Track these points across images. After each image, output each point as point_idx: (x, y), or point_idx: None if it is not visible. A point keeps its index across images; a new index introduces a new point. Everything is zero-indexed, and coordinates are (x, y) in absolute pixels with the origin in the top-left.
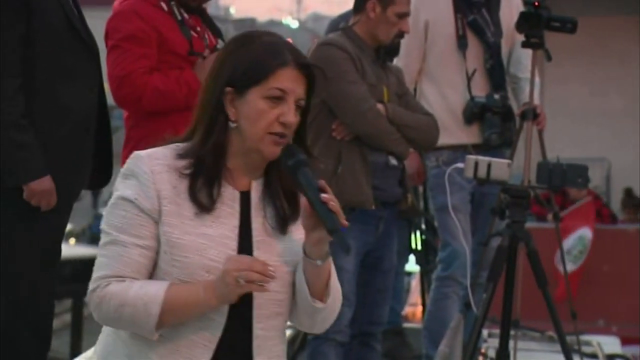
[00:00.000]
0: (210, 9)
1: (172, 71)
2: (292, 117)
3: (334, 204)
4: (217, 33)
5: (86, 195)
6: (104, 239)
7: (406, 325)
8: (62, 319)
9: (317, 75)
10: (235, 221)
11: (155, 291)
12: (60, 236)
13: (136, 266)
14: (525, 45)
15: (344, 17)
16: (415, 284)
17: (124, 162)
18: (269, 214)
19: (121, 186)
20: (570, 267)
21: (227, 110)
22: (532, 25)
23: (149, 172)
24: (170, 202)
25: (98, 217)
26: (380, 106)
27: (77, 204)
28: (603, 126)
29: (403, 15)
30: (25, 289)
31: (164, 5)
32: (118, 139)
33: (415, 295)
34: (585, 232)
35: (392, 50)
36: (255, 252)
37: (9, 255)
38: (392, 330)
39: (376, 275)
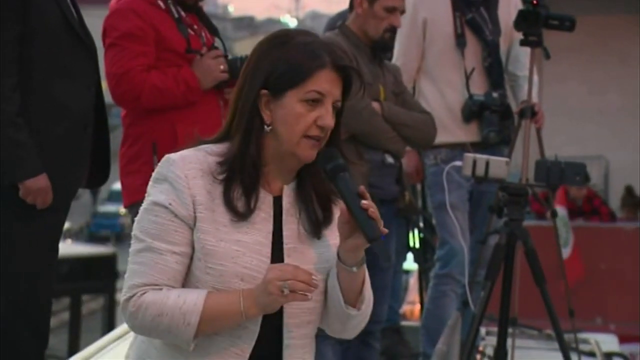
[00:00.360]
0: (208, 7)
1: (170, 69)
2: (330, 120)
3: (373, 210)
4: (214, 31)
5: (84, 193)
6: (136, 245)
7: (404, 323)
8: (59, 317)
9: (353, 76)
10: (269, 227)
11: (194, 300)
12: (58, 234)
13: (172, 273)
14: (523, 43)
15: (342, 15)
16: (413, 282)
17: (121, 161)
18: (303, 219)
19: (153, 191)
20: (566, 252)
21: (262, 113)
22: (531, 23)
23: (183, 177)
24: (206, 208)
25: (96, 216)
26: (375, 105)
27: (74, 203)
28: (601, 124)
29: (392, 10)
30: (23, 287)
31: (161, 3)
32: (116, 138)
33: (413, 293)
34: (562, 211)
35: (384, 46)
36: (286, 259)
37: (7, 254)
38: (390, 328)
39: (374, 273)
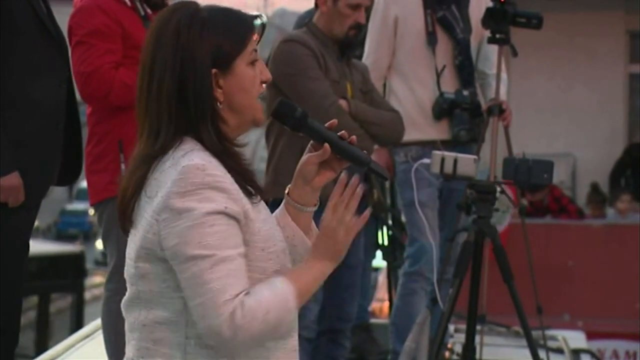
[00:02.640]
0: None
1: (137, 66)
2: (268, 72)
3: (353, 137)
4: None
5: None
6: (202, 263)
7: (373, 320)
8: (27, 315)
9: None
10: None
11: (282, 285)
12: (28, 232)
13: (246, 275)
14: (491, 41)
15: (311, 12)
16: (382, 279)
17: (87, 159)
18: None
19: (193, 204)
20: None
21: (215, 94)
22: (498, 21)
23: (222, 175)
24: (246, 200)
25: (64, 214)
26: (342, 102)
27: (43, 200)
28: (569, 122)
29: (356, 7)
30: None
31: (127, 0)
32: (84, 135)
33: (382, 291)
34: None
35: (349, 43)
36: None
37: None
38: (359, 326)
39: (343, 271)
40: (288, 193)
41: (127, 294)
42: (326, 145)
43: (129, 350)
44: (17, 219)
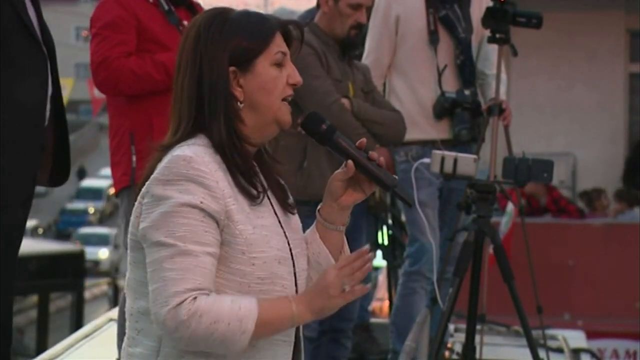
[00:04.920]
0: None
1: (147, 54)
2: (299, 76)
3: (382, 159)
4: None
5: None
6: (165, 251)
7: (373, 320)
8: (27, 315)
9: (295, 29)
10: (269, 205)
11: (248, 306)
12: (15, 232)
13: (210, 276)
14: (491, 40)
15: (312, 12)
16: (382, 279)
17: (114, 153)
18: (272, 194)
19: (171, 193)
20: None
21: (234, 92)
22: (498, 20)
23: (209, 172)
24: (234, 200)
25: (64, 213)
26: (345, 100)
27: (42, 200)
28: (569, 121)
29: (357, 6)
30: None
31: None
32: (84, 134)
33: (382, 291)
34: (509, 206)
35: (351, 43)
36: (287, 234)
37: None
38: (359, 326)
39: None
40: (319, 210)
41: None
42: (350, 162)
43: (124, 340)
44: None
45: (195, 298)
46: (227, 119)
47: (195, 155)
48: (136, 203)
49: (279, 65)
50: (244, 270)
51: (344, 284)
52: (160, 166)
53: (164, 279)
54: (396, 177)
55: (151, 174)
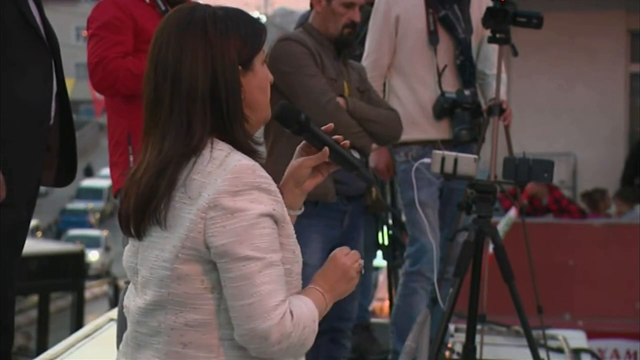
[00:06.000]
0: None
1: (144, 54)
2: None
3: (345, 141)
4: None
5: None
6: (254, 265)
7: (373, 320)
8: (28, 315)
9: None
10: None
11: (309, 304)
12: (19, 230)
13: (285, 282)
14: (491, 40)
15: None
16: (382, 279)
17: (113, 153)
18: None
19: (244, 204)
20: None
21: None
22: (498, 20)
23: (270, 178)
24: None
25: (64, 213)
26: (340, 99)
27: (42, 200)
28: (569, 121)
29: (350, 5)
30: None
31: None
32: (84, 134)
33: (382, 291)
34: (512, 211)
35: (345, 42)
36: None
37: None
38: (359, 326)
39: None
40: None
41: (146, 297)
42: (325, 148)
43: (152, 355)
44: (5, 218)
45: (290, 310)
46: (243, 120)
47: (252, 163)
48: (193, 217)
49: (264, 63)
50: (291, 269)
51: (358, 268)
52: (222, 178)
53: (259, 294)
54: (358, 156)
55: (172, 188)
